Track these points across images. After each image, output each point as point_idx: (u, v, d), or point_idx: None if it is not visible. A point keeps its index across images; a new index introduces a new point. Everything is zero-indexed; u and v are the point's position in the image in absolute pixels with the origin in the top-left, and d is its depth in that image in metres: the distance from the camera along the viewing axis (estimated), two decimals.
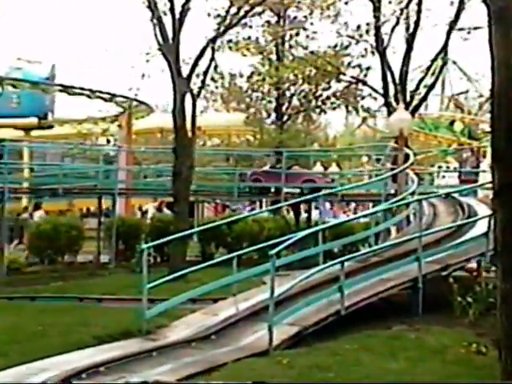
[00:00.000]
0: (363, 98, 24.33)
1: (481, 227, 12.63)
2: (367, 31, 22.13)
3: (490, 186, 6.53)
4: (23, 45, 62.67)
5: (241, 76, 26.25)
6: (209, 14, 21.08)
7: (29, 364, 7.71)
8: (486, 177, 16.24)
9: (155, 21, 15.79)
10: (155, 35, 15.93)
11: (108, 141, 28.22)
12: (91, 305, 12.38)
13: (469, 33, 21.57)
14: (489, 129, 6.08)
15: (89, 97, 24.87)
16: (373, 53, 22.41)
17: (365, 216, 16.94)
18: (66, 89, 24.91)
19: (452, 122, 33.76)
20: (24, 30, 69.15)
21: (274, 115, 26.66)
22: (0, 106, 26.24)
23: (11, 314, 10.91)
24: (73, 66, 52.08)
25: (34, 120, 30.65)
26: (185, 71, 16.20)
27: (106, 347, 8.74)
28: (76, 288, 14.07)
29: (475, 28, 21.09)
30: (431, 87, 22.75)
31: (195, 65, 16.31)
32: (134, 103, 26.10)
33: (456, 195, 16.40)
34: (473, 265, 12.84)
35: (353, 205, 29.93)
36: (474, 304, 10.24)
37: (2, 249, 17.74)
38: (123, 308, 11.37)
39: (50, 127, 31.11)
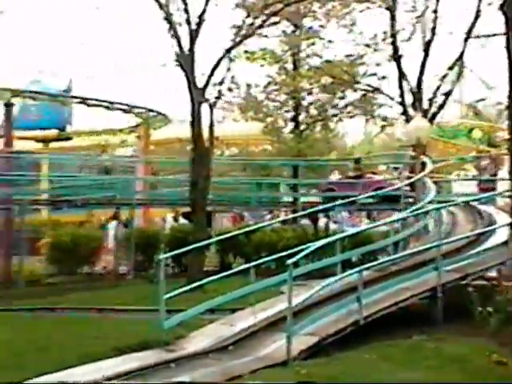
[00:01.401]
0: (380, 106, 24.23)
1: (500, 235, 12.50)
2: (383, 40, 22.11)
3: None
4: (41, 58, 63.45)
5: (257, 86, 26.28)
6: (225, 25, 21.23)
7: (48, 375, 7.72)
8: (504, 185, 16.06)
9: (172, 32, 15.89)
10: (172, 46, 16.04)
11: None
12: (110, 316, 12.38)
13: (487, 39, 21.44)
14: (507, 136, 5.98)
15: (107, 108, 25.02)
16: (389, 61, 22.35)
17: (383, 225, 16.85)
18: (85, 100, 25.08)
19: (471, 130, 33.50)
20: (41, 43, 69.88)
21: (291, 124, 26.58)
22: (20, 119, 26.55)
23: (28, 325, 10.97)
24: (90, 79, 52.44)
25: (53, 132, 31.03)
26: (201, 82, 16.28)
27: (124, 358, 8.74)
28: (95, 299, 14.10)
29: (493, 35, 20.94)
30: (448, 95, 22.62)
31: (211, 75, 16.37)
32: (152, 114, 26.24)
33: (475, 203, 16.26)
34: (493, 273, 12.71)
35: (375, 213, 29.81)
36: (494, 313, 10.11)
37: (21, 260, 17.88)
38: (141, 319, 11.37)
39: (69, 139, 31.42)
